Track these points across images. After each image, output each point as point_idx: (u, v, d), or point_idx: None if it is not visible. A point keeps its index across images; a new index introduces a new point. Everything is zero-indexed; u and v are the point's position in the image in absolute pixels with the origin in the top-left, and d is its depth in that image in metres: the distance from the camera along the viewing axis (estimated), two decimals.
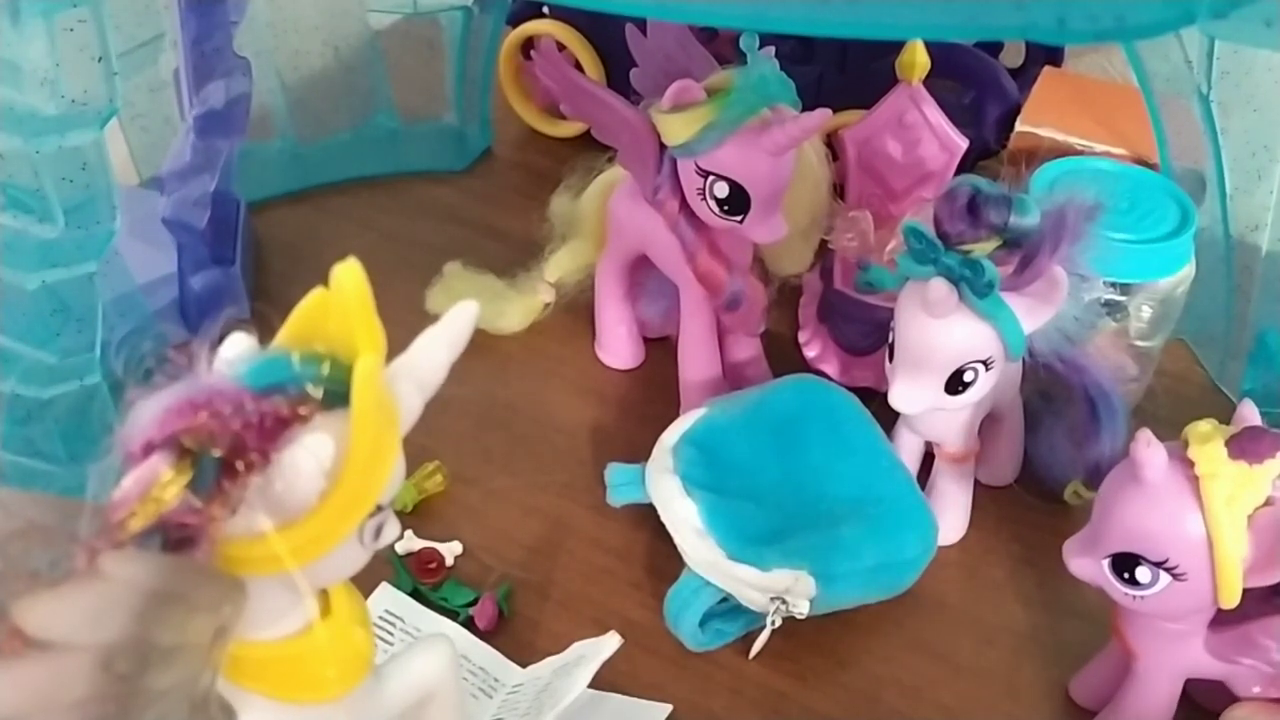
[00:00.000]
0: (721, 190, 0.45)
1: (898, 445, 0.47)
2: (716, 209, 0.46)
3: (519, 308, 0.56)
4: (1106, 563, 0.36)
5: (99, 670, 0.22)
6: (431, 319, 0.28)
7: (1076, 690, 0.43)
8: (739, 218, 0.46)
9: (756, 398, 0.47)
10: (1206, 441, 0.34)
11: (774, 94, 0.44)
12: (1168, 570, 0.35)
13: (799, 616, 0.42)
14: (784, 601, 0.41)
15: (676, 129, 0.44)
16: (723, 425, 0.45)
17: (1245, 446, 0.34)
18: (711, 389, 0.51)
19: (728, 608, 0.43)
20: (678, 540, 0.43)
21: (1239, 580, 0.34)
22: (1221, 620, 0.36)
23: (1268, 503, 0.34)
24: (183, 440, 0.24)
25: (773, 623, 0.42)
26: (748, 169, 0.44)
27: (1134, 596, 0.36)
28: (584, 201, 0.53)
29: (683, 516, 0.42)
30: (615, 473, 0.47)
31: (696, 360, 0.52)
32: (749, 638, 0.43)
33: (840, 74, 0.61)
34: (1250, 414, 0.36)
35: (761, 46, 0.45)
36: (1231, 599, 0.34)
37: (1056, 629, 0.44)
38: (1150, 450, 0.34)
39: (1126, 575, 0.36)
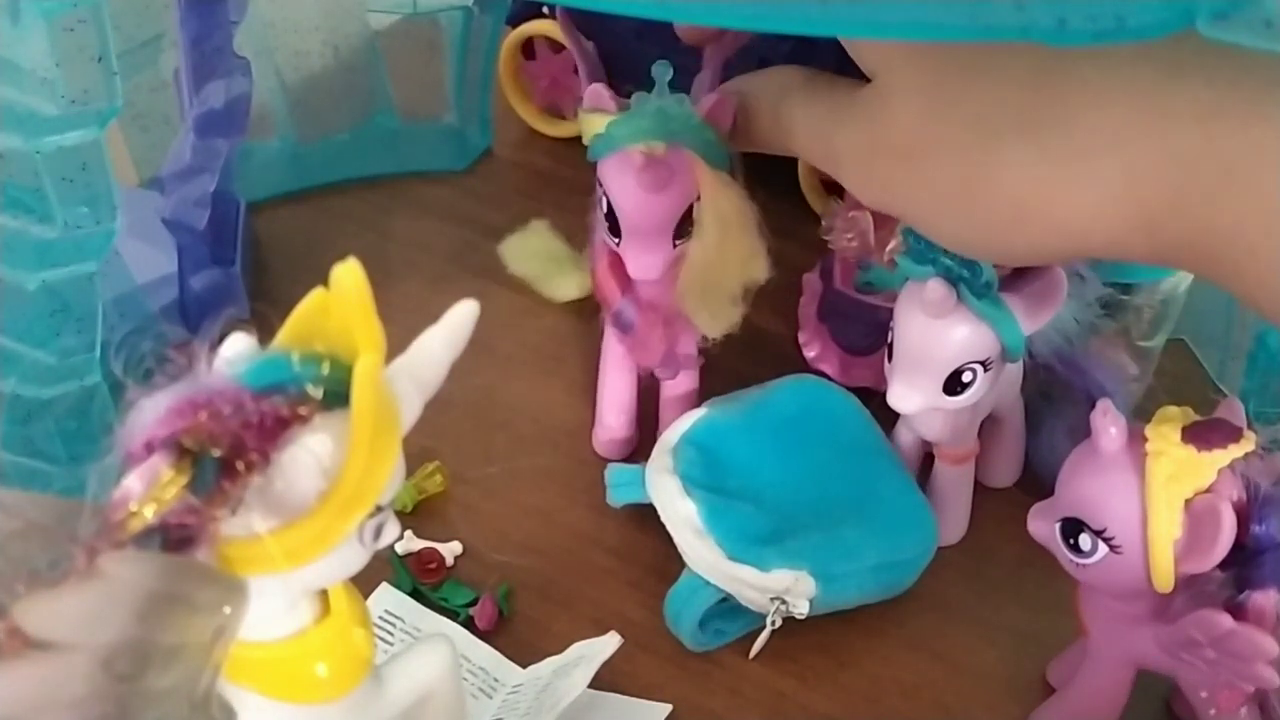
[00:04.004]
0: (604, 205, 0.45)
1: (897, 445, 0.47)
2: (605, 221, 0.45)
3: (576, 281, 0.54)
4: (1058, 527, 0.37)
5: (99, 670, 0.22)
6: (432, 319, 0.28)
7: (1052, 674, 0.43)
8: (617, 240, 0.45)
9: (756, 398, 0.47)
10: (1164, 422, 0.35)
11: (667, 131, 0.42)
12: (1105, 540, 0.35)
13: (799, 617, 0.42)
14: (784, 602, 0.41)
15: (583, 130, 0.44)
16: (723, 425, 0.45)
17: (1198, 433, 0.35)
18: (623, 412, 0.51)
19: (727, 608, 0.43)
20: (677, 540, 0.43)
21: (1170, 561, 0.35)
22: (1176, 615, 0.37)
23: (1210, 490, 0.34)
24: (183, 440, 0.24)
25: (773, 623, 0.42)
26: (619, 193, 0.44)
27: (1077, 564, 0.37)
28: None
29: (683, 516, 0.42)
30: (615, 473, 0.47)
31: (611, 381, 0.51)
32: (749, 637, 0.43)
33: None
34: (1230, 411, 0.36)
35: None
36: (1163, 581, 0.35)
37: (1056, 629, 0.44)
38: (1106, 419, 0.35)
39: (1072, 541, 0.37)
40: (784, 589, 0.41)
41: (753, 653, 0.43)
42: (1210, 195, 0.30)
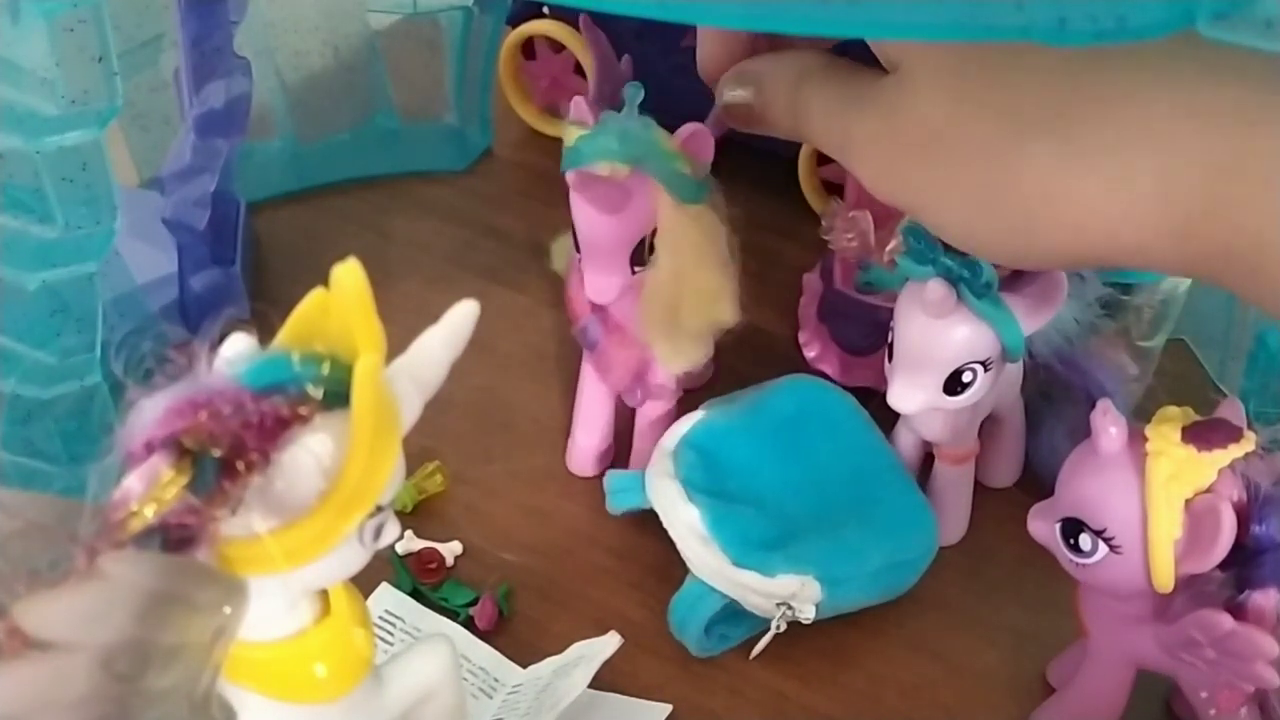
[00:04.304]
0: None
1: (897, 445, 0.47)
2: (574, 235, 0.45)
3: None
4: (1058, 527, 0.37)
5: (99, 670, 0.22)
6: (432, 319, 0.28)
7: (1052, 674, 0.43)
8: (579, 257, 0.45)
9: (754, 399, 0.46)
10: (1164, 422, 0.35)
11: (628, 154, 0.42)
12: (1105, 540, 0.36)
13: (805, 622, 0.41)
14: (790, 607, 0.41)
15: (564, 138, 0.44)
16: (721, 428, 0.45)
17: (1198, 433, 0.35)
18: (595, 430, 0.50)
19: (731, 612, 0.43)
20: (681, 547, 0.42)
21: (1170, 561, 0.35)
22: (1176, 615, 0.37)
23: (1210, 490, 0.34)
24: (183, 440, 0.24)
25: (778, 627, 0.42)
26: (575, 209, 0.43)
27: (1077, 564, 0.37)
28: None
29: (686, 522, 0.42)
30: (614, 479, 0.46)
31: (586, 398, 0.50)
32: (752, 640, 0.43)
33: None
34: (1230, 411, 0.36)
35: None
36: (1163, 581, 0.35)
37: (1057, 629, 0.44)
38: (1106, 419, 0.35)
39: (1072, 541, 0.37)
40: (790, 594, 0.41)
41: (754, 654, 0.43)
42: (1250, 201, 0.29)
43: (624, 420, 0.50)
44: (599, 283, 0.44)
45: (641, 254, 0.44)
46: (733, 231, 0.44)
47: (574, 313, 0.47)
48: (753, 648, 0.43)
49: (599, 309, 0.46)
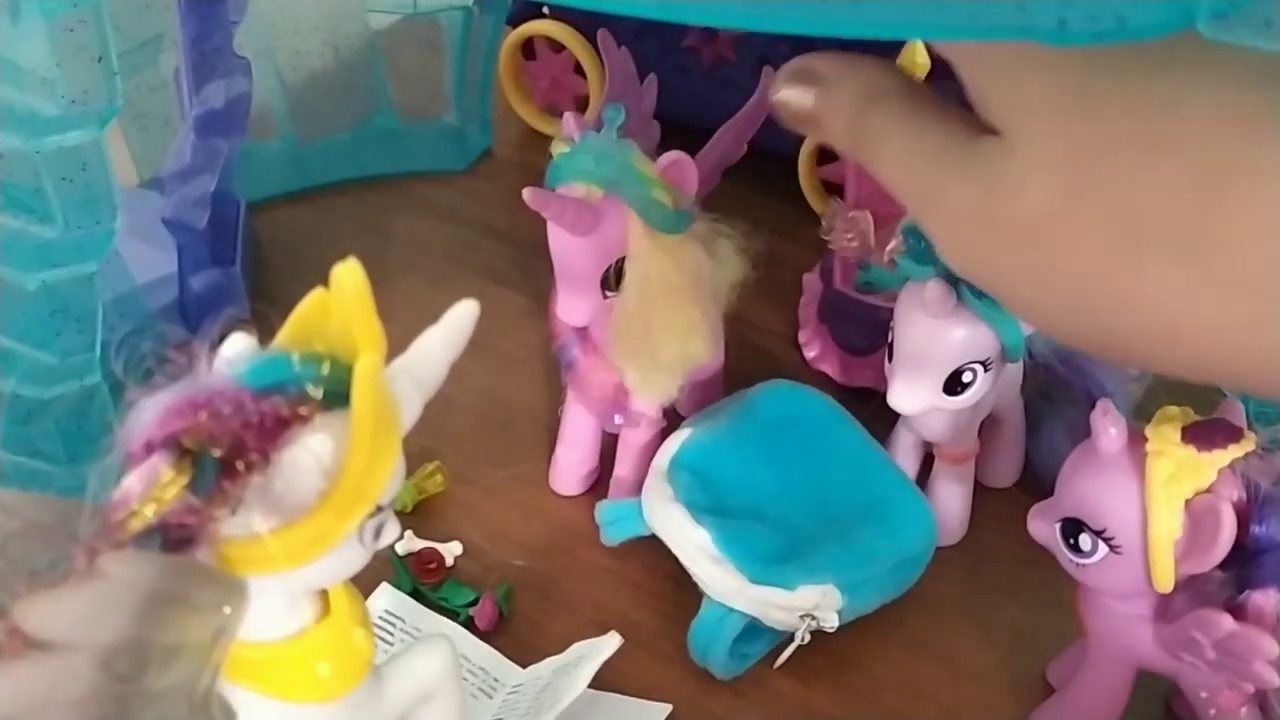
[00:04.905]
0: None
1: (898, 445, 0.47)
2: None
3: None
4: (1058, 527, 0.37)
5: (99, 670, 0.22)
6: (432, 319, 0.28)
7: (1052, 675, 0.43)
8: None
9: (734, 411, 0.46)
10: (1164, 422, 0.35)
11: (602, 176, 0.41)
12: (1105, 540, 0.36)
13: (829, 630, 0.41)
14: (813, 618, 0.41)
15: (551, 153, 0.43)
16: (709, 445, 0.44)
17: (1198, 433, 0.35)
18: (575, 449, 0.49)
19: (748, 628, 0.42)
20: (693, 570, 0.42)
21: (1170, 561, 0.35)
22: (1176, 615, 0.37)
23: (1210, 491, 0.34)
24: (183, 440, 0.24)
25: (803, 638, 0.41)
26: (549, 225, 0.42)
27: (1077, 564, 0.37)
28: None
29: (696, 545, 0.41)
30: (607, 510, 0.45)
31: (571, 417, 0.49)
32: (773, 654, 0.43)
33: None
34: (1230, 411, 0.36)
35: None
36: (1164, 581, 0.35)
37: (1057, 629, 0.44)
38: (1106, 419, 0.35)
39: (1072, 541, 0.37)
40: (813, 605, 0.41)
41: (777, 664, 0.42)
42: None
43: (610, 441, 0.49)
44: (568, 302, 0.43)
45: (615, 279, 0.43)
46: (750, 266, 0.44)
47: (555, 330, 0.47)
48: (773, 661, 0.42)
49: (580, 328, 0.45)
